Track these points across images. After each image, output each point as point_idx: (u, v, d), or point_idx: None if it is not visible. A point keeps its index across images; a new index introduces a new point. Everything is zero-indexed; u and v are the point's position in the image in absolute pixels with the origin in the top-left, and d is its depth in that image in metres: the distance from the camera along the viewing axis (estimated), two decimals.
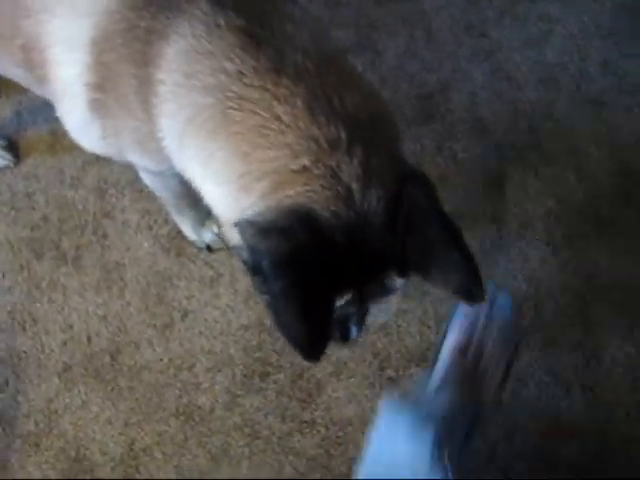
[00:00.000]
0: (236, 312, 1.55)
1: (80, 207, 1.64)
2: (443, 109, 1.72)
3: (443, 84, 1.75)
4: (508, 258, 1.61)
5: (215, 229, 1.55)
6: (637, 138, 1.74)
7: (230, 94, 0.86)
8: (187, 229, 1.55)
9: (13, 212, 1.65)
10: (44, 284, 1.59)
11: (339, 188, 0.83)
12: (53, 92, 1.04)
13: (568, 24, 1.85)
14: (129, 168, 1.39)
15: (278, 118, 0.84)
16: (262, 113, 0.84)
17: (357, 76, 0.94)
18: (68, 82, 0.98)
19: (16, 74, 1.15)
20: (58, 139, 1.69)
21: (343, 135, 0.83)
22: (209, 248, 1.57)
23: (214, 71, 0.87)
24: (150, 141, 0.98)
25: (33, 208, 1.65)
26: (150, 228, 1.61)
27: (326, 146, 0.83)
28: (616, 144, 1.73)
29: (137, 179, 1.42)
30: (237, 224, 0.85)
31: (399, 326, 1.55)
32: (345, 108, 0.85)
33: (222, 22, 0.88)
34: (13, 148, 1.69)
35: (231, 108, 0.86)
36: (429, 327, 1.55)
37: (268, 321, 1.54)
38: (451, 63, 1.78)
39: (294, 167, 0.83)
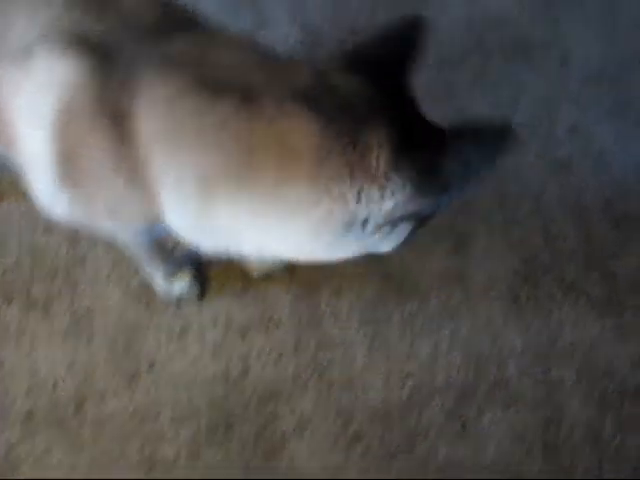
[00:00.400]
0: (202, 364, 1.56)
1: (52, 254, 1.65)
2: None
3: None
4: (473, 317, 1.63)
5: (185, 281, 1.57)
6: (602, 202, 1.79)
7: (232, 143, 0.88)
8: (157, 282, 1.56)
9: None
10: (12, 329, 1.59)
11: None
12: (20, 161, 1.05)
13: (537, 89, 1.91)
14: None
15: (293, 128, 0.87)
16: (276, 135, 0.88)
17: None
18: (35, 155, 0.99)
19: None
20: None
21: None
22: (179, 300, 1.59)
23: (200, 135, 0.90)
24: (126, 208, 1.00)
25: (5, 253, 1.65)
26: (121, 278, 1.62)
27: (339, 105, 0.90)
28: (582, 207, 1.78)
29: None
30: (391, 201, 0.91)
31: (364, 382, 1.56)
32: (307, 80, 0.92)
33: (179, 85, 0.90)
34: None
35: (244, 151, 0.88)
36: (394, 384, 1.57)
37: (234, 373, 1.56)
38: None
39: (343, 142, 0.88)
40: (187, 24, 1.00)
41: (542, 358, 1.62)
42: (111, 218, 1.06)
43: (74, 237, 1.65)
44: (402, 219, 0.94)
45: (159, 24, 0.96)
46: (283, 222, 0.92)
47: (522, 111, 1.87)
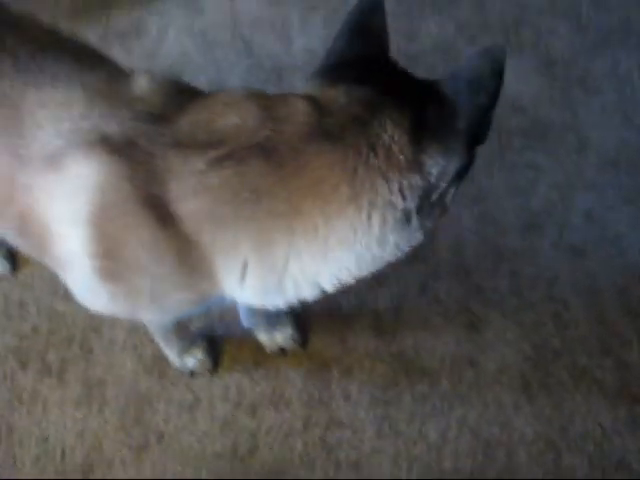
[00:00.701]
0: (211, 439, 1.56)
1: (70, 320, 1.68)
2: (429, 250, 1.78)
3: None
4: (483, 402, 1.63)
5: (199, 355, 1.58)
6: (617, 288, 1.79)
7: (272, 201, 0.91)
8: (172, 355, 1.58)
9: (4, 320, 1.69)
10: (25, 395, 1.61)
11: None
12: (55, 262, 1.07)
13: (553, 174, 1.94)
14: None
15: (316, 166, 0.91)
16: (305, 179, 0.91)
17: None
18: (72, 254, 1.00)
19: (11, 241, 1.18)
20: None
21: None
22: (191, 373, 1.60)
23: (240, 204, 0.92)
24: (173, 295, 1.02)
25: (24, 318, 1.69)
26: (135, 347, 1.64)
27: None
28: (596, 293, 1.78)
29: None
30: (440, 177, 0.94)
31: (371, 464, 1.55)
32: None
33: (202, 166, 0.93)
34: (12, 257, 1.73)
35: (285, 205, 0.91)
36: (401, 467, 1.56)
37: (242, 449, 1.56)
38: None
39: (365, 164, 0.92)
40: (189, 95, 1.03)
41: (553, 446, 1.60)
42: (155, 308, 1.08)
43: None
44: (449, 185, 0.96)
45: (166, 103, 1.00)
46: (348, 249, 0.95)
47: (539, 196, 1.90)
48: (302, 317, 1.69)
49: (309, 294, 1.01)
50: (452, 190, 0.98)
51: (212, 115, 0.96)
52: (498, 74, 0.92)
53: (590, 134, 2.01)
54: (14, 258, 1.74)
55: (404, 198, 0.92)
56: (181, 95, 1.02)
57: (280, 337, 1.63)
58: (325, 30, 2.12)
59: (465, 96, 0.93)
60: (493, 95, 0.93)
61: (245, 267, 0.96)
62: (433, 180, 0.93)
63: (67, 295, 1.71)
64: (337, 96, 0.94)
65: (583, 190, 1.92)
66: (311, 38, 2.12)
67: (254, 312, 1.58)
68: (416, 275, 1.76)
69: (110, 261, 0.99)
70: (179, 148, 0.94)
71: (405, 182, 0.92)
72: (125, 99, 1.00)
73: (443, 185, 0.95)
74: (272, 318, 1.62)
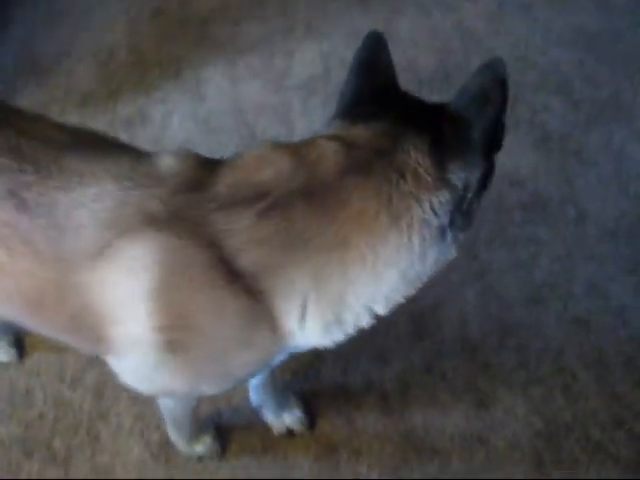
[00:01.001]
0: None
1: (76, 407, 1.67)
2: (434, 327, 1.79)
3: (435, 303, 1.83)
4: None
5: (207, 441, 1.57)
6: (624, 359, 1.78)
7: (322, 240, 0.95)
8: (180, 441, 1.56)
9: (10, 408, 1.68)
10: None
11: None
12: (112, 349, 1.05)
13: (554, 246, 1.96)
14: None
15: (354, 200, 0.96)
16: (347, 214, 0.95)
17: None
18: (134, 335, 1.00)
19: (59, 338, 1.17)
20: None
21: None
22: (199, 458, 1.58)
23: (293, 248, 0.95)
24: (236, 355, 1.04)
25: (30, 405, 1.67)
26: (142, 433, 1.63)
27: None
28: (603, 365, 1.77)
29: None
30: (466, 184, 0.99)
31: None
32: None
33: (249, 221, 0.96)
34: (19, 344, 1.74)
35: (334, 241, 0.95)
36: None
37: None
38: (444, 282, 1.85)
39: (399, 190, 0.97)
40: (212, 163, 1.06)
41: None
42: (218, 375, 1.09)
43: (99, 390, 1.67)
44: (474, 196, 1.01)
45: (197, 174, 1.03)
46: (395, 271, 0.99)
47: (541, 269, 1.91)
48: (309, 399, 1.68)
49: (366, 322, 1.04)
50: (476, 201, 1.03)
51: (247, 172, 1.00)
52: (500, 83, 0.99)
53: (588, 206, 2.04)
54: (21, 344, 1.75)
55: (437, 215, 0.97)
56: (206, 165, 1.06)
57: (288, 419, 1.62)
58: (325, 112, 2.18)
59: (473, 110, 0.99)
60: (500, 104, 0.99)
61: (305, 307, 0.99)
62: (460, 192, 0.99)
63: (74, 382, 1.74)
64: (360, 133, 0.99)
65: (584, 261, 1.94)
66: (312, 121, 2.18)
67: (264, 389, 1.59)
68: (421, 352, 1.75)
69: (176, 331, 1.00)
70: (224, 210, 0.97)
71: (435, 200, 0.97)
72: (156, 178, 1.03)
73: (469, 196, 1.00)
74: (280, 399, 1.61)
